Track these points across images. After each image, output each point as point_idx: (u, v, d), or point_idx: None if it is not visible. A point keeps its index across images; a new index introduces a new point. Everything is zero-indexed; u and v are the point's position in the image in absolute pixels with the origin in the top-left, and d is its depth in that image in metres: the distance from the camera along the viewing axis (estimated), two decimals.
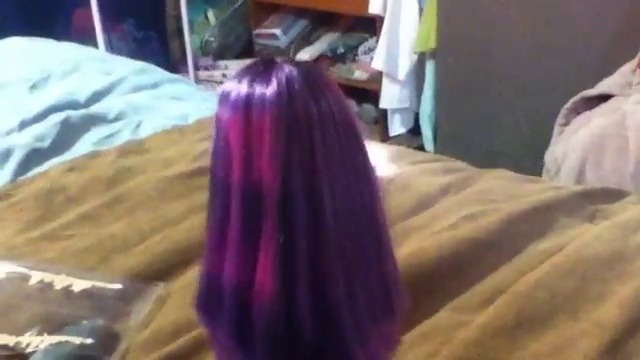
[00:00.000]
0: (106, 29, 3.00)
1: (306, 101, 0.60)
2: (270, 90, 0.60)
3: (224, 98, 0.63)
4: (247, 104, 0.60)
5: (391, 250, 0.68)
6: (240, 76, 0.63)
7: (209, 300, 0.66)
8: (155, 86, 1.82)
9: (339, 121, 0.61)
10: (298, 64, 0.62)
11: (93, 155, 1.49)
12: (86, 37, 2.91)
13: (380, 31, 2.78)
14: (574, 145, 1.74)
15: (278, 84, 0.60)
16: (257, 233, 0.60)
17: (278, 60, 0.62)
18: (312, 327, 0.61)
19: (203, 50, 3.49)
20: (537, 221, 1.14)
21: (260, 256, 0.60)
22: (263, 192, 0.60)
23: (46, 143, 1.51)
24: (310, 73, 0.62)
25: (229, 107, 0.62)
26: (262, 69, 0.62)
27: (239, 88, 0.61)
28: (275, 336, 0.61)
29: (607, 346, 0.84)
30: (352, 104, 3.36)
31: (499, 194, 1.26)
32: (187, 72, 3.30)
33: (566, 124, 1.81)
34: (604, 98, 1.78)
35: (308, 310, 0.61)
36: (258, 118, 0.60)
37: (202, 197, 1.29)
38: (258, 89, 0.60)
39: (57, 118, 1.58)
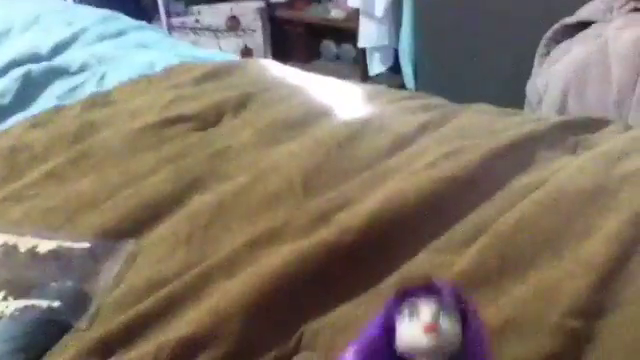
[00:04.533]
0: None
1: None
2: None
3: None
4: None
5: None
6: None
7: None
8: (120, 35, 1.75)
9: None
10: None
11: (57, 110, 1.43)
12: None
13: None
14: (555, 75, 1.70)
15: None
16: None
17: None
18: None
19: None
20: (518, 155, 1.10)
21: None
22: None
23: (7, 99, 1.45)
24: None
25: None
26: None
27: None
28: None
29: (593, 285, 0.81)
30: (331, 45, 3.28)
31: (479, 130, 1.22)
32: (159, 19, 3.21)
33: (547, 54, 1.76)
34: (585, 25, 1.72)
35: None
36: None
37: (172, 148, 1.26)
38: None
39: (18, 73, 1.51)
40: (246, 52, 3.27)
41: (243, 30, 3.26)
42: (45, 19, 1.79)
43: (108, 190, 1.15)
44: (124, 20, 1.85)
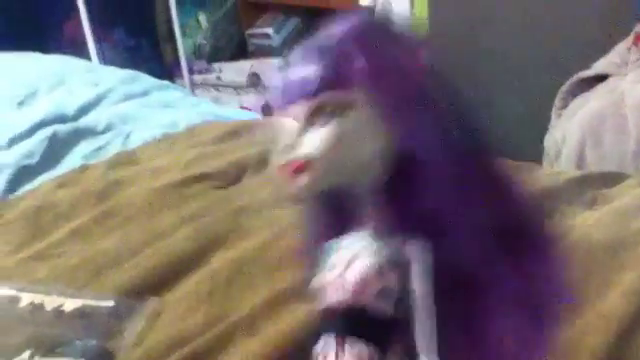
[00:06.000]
0: (98, 39, 2.98)
1: None
2: None
3: None
4: None
5: None
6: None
7: None
8: (144, 94, 1.80)
9: None
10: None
11: (82, 169, 1.46)
12: (78, 49, 2.89)
13: None
14: (573, 128, 1.71)
15: None
16: None
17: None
18: None
19: (196, 54, 3.47)
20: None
21: None
22: None
23: (35, 159, 1.49)
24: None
25: None
26: None
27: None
28: None
29: (614, 339, 0.81)
30: None
31: None
32: (182, 77, 3.28)
33: (564, 107, 1.78)
34: (601, 79, 1.74)
35: None
36: None
37: (193, 207, 1.28)
38: None
39: (45, 133, 1.55)
40: (267, 107, 3.33)
41: (264, 86, 3.32)
42: (71, 80, 1.84)
43: (131, 248, 1.17)
44: (148, 80, 1.90)
